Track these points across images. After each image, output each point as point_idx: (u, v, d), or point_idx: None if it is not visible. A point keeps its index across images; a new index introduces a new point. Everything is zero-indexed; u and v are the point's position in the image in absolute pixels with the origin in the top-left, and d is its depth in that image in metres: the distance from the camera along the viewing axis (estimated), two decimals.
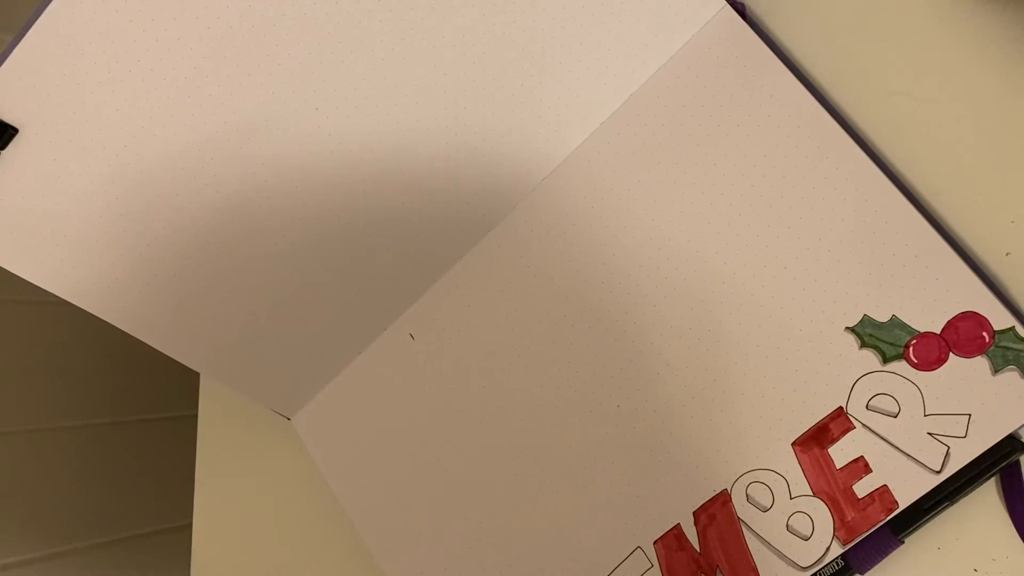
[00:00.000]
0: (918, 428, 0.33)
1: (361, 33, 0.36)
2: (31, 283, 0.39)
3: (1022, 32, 0.34)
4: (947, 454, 0.32)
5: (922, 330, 0.33)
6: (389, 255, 0.41)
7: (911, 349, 0.33)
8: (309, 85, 0.37)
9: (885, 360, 0.34)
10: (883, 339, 0.34)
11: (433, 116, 0.38)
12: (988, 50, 0.34)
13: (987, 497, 0.33)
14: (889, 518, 0.33)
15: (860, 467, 0.33)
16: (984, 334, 0.32)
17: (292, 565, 0.47)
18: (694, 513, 0.36)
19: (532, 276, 0.40)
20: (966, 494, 0.32)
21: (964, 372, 0.32)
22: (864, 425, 0.34)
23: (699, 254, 0.37)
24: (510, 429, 0.40)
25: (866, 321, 0.34)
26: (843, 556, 0.34)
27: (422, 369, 0.42)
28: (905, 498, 0.33)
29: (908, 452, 0.33)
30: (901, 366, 0.33)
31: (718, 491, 0.36)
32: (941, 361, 0.33)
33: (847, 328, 0.34)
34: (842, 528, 0.34)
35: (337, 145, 0.38)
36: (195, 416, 0.51)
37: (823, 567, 0.34)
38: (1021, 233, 0.33)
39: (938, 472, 0.32)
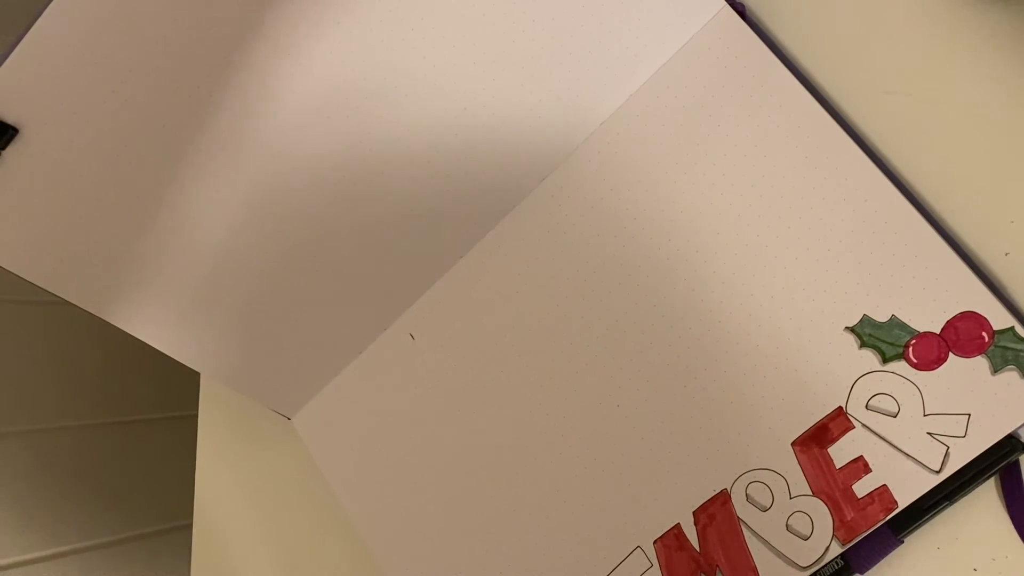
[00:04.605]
0: (918, 428, 0.33)
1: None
2: (31, 283, 0.39)
3: (1022, 32, 0.34)
4: (947, 454, 0.32)
5: (921, 330, 0.33)
6: (390, 254, 0.41)
7: (911, 349, 0.33)
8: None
9: (885, 360, 0.34)
10: (883, 339, 0.34)
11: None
12: (988, 50, 0.34)
13: (987, 497, 0.33)
14: (888, 518, 0.33)
15: (860, 467, 0.33)
16: (983, 334, 0.32)
17: (292, 565, 0.47)
18: (694, 513, 0.36)
19: (531, 276, 0.40)
20: (966, 494, 0.32)
21: (964, 372, 0.32)
22: (864, 425, 0.34)
23: (698, 254, 0.37)
24: (510, 429, 0.40)
25: (866, 321, 0.34)
26: (843, 556, 0.34)
27: (422, 369, 0.42)
28: (905, 498, 0.33)
29: (908, 452, 0.33)
30: (901, 366, 0.33)
31: (718, 491, 0.36)
32: (941, 361, 0.33)
33: (847, 328, 0.34)
34: (842, 528, 0.34)
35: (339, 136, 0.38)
36: (195, 416, 0.51)
37: (823, 567, 0.34)
38: (1021, 233, 0.33)
39: (938, 472, 0.32)
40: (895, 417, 0.33)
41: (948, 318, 0.33)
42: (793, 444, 0.35)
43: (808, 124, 0.35)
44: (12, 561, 0.64)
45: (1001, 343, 0.32)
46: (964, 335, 0.32)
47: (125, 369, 0.81)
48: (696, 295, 0.37)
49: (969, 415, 0.32)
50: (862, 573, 0.34)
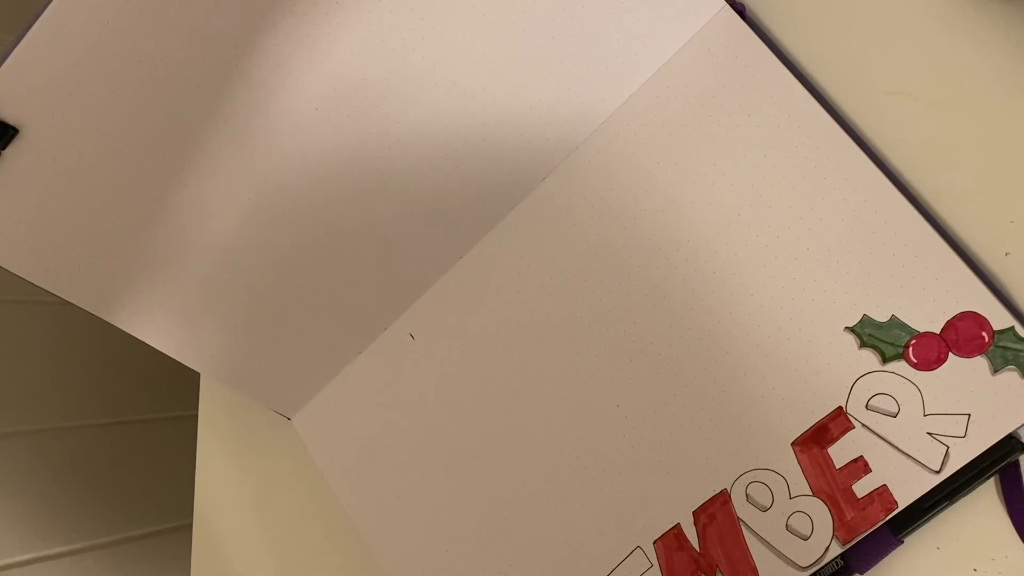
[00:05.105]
0: (917, 428, 0.33)
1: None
2: (31, 283, 0.39)
3: (1022, 32, 0.34)
4: (946, 454, 0.32)
5: (921, 330, 0.33)
6: (390, 253, 0.41)
7: (910, 349, 0.33)
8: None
9: (884, 360, 0.34)
10: (882, 339, 0.34)
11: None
12: (988, 50, 0.34)
13: (986, 497, 0.33)
14: (888, 518, 0.33)
15: (859, 467, 0.33)
16: (983, 334, 0.32)
17: (292, 565, 0.47)
18: (694, 513, 0.36)
19: (531, 276, 0.40)
20: (965, 494, 0.32)
21: (963, 372, 0.32)
22: (863, 425, 0.34)
23: (699, 255, 0.37)
24: (509, 429, 0.40)
25: (865, 321, 0.34)
26: (843, 556, 0.34)
27: (422, 369, 0.42)
28: (904, 498, 0.33)
29: (907, 452, 0.33)
30: (900, 366, 0.33)
31: (718, 491, 0.36)
32: (940, 361, 0.33)
33: (847, 328, 0.34)
34: (841, 528, 0.34)
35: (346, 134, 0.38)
36: (195, 416, 0.51)
37: (823, 567, 0.34)
38: (1021, 233, 0.33)
39: (937, 472, 0.32)
40: (895, 417, 0.33)
41: (948, 318, 0.33)
42: (793, 444, 0.35)
43: (808, 124, 0.35)
44: (12, 561, 0.64)
45: (1001, 343, 0.32)
46: (964, 335, 0.32)
47: (125, 369, 0.81)
48: (696, 295, 0.37)
49: (969, 415, 0.32)
50: (862, 573, 0.34)
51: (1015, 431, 0.32)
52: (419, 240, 0.41)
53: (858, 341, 0.34)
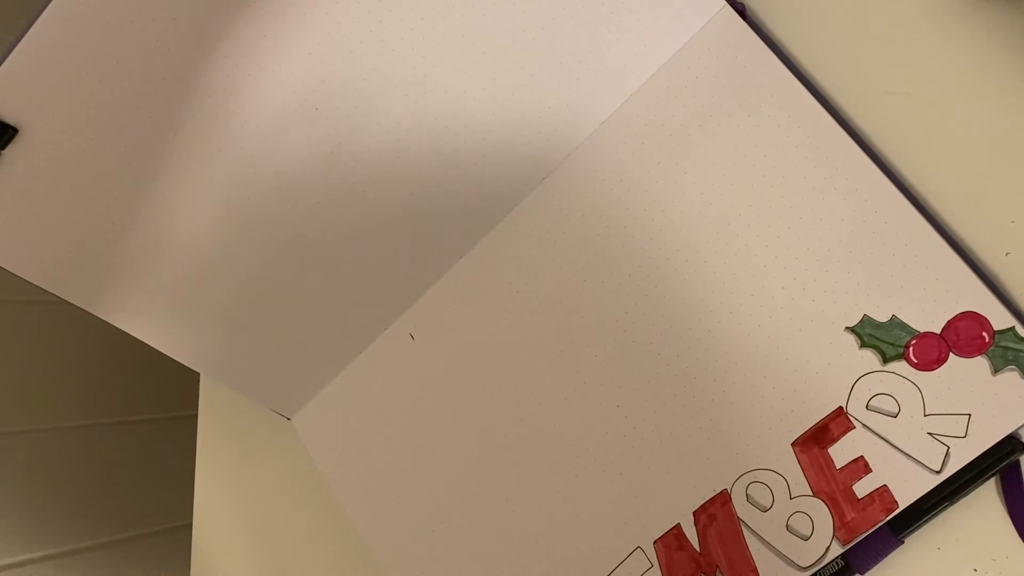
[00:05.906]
0: (918, 428, 0.33)
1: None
2: (31, 283, 0.39)
3: (1022, 32, 0.34)
4: (947, 454, 0.32)
5: (922, 330, 0.33)
6: (390, 254, 0.41)
7: (911, 349, 0.33)
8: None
9: (885, 360, 0.34)
10: (883, 339, 0.34)
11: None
12: (988, 50, 0.34)
13: (987, 497, 0.33)
14: (889, 518, 0.33)
15: (860, 467, 0.33)
16: (984, 334, 0.32)
17: (292, 565, 0.47)
18: (694, 513, 0.36)
19: (532, 276, 0.40)
20: (966, 494, 0.32)
21: (964, 372, 0.32)
22: (864, 425, 0.34)
23: (699, 254, 0.37)
24: (510, 429, 0.40)
25: (866, 321, 0.34)
26: (843, 556, 0.34)
27: (422, 369, 0.42)
28: (905, 498, 0.33)
29: (908, 452, 0.33)
30: (901, 366, 0.33)
31: (718, 491, 0.36)
32: (941, 361, 0.33)
33: (847, 328, 0.34)
34: (842, 528, 0.34)
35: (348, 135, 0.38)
36: (195, 416, 0.51)
37: (823, 567, 0.34)
38: (1021, 233, 0.33)
39: (938, 472, 0.32)
40: (895, 417, 0.33)
41: (948, 318, 0.33)
42: (793, 444, 0.35)
43: (808, 124, 0.35)
44: (11, 562, 0.64)
45: (1001, 343, 0.32)
46: (964, 335, 0.32)
47: (124, 369, 0.81)
48: (696, 295, 0.37)
49: (969, 415, 0.32)
50: (862, 573, 0.34)
51: (1016, 431, 0.32)
52: (419, 240, 0.41)
53: (858, 341, 0.34)
